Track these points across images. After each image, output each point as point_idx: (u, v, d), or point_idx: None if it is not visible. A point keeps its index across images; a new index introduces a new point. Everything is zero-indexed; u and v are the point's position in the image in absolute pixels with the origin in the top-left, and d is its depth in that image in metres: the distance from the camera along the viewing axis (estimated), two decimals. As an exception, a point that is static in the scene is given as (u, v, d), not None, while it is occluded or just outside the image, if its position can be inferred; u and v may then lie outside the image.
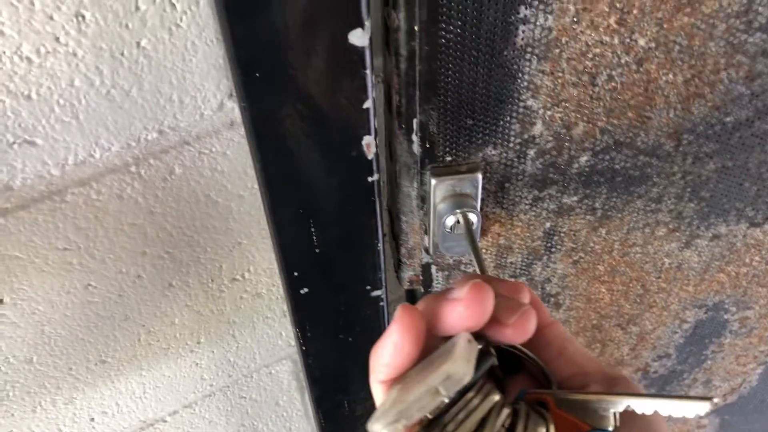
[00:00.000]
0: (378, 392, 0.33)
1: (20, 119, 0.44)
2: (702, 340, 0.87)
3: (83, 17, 0.42)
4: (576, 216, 0.63)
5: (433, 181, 0.55)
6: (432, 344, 0.33)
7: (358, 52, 0.44)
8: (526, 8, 0.47)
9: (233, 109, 0.52)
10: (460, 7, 0.46)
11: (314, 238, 0.55)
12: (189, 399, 0.74)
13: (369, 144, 0.50)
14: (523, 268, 0.67)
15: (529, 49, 0.49)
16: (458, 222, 0.55)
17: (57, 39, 0.42)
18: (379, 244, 0.57)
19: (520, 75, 0.51)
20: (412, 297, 0.74)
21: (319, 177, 0.51)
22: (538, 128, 0.55)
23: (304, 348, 0.64)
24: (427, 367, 0.31)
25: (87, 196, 0.51)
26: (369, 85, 0.46)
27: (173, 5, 0.45)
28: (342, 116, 0.48)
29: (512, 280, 0.40)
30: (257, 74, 0.43)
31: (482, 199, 0.59)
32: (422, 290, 0.68)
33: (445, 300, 0.32)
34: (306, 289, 0.58)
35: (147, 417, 0.71)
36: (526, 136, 0.55)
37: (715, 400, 0.29)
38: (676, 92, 0.55)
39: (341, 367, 0.68)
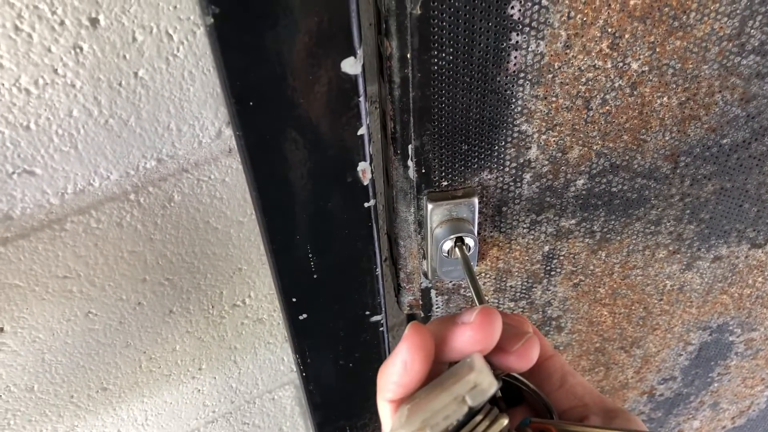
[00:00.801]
0: (385, 412, 0.33)
1: (19, 149, 0.45)
2: (708, 363, 0.86)
3: (81, 49, 0.43)
4: (575, 239, 0.63)
5: (430, 206, 0.55)
6: (436, 370, 0.33)
7: (351, 80, 0.45)
8: (517, 34, 0.47)
9: (231, 137, 0.52)
10: (452, 34, 0.46)
11: (312, 264, 0.55)
12: (191, 426, 0.74)
13: (365, 170, 0.50)
14: (523, 291, 0.67)
15: (522, 75, 0.50)
16: (455, 247, 0.55)
17: (55, 70, 0.43)
18: (377, 270, 0.57)
19: (513, 100, 0.51)
20: (413, 321, 0.74)
21: (315, 203, 0.51)
22: (533, 152, 0.55)
23: (304, 374, 0.64)
24: (437, 388, 0.31)
25: (87, 225, 0.51)
26: (363, 112, 0.47)
27: (170, 36, 0.46)
28: (337, 143, 0.48)
29: (515, 313, 0.40)
30: (251, 103, 0.44)
31: (479, 224, 0.59)
32: (422, 315, 0.68)
33: (453, 324, 0.32)
34: (305, 315, 0.58)
35: (149, 444, 0.71)
36: (521, 161, 0.55)
37: None
38: (671, 115, 0.55)
39: (343, 393, 0.68)
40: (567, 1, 0.46)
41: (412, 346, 0.31)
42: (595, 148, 0.56)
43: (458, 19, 0.46)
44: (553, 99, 0.52)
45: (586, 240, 0.64)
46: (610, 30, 0.49)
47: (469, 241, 0.55)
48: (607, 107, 0.53)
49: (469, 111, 0.51)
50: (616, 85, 0.52)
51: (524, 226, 0.61)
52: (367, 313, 0.61)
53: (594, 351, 0.79)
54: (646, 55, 0.51)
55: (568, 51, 0.49)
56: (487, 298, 0.66)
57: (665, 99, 0.54)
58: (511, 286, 0.66)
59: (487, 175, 0.56)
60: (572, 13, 0.47)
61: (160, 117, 0.49)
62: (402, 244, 0.60)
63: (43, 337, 0.55)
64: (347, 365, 0.65)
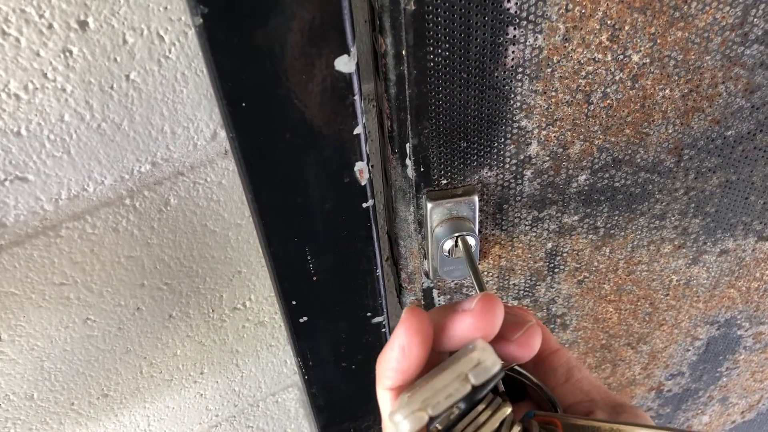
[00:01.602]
0: (385, 400, 0.32)
1: (11, 156, 0.45)
2: (716, 357, 0.85)
3: (70, 52, 0.42)
4: (578, 235, 0.62)
5: (429, 205, 0.54)
6: (436, 360, 0.32)
7: (346, 78, 0.44)
8: (514, 28, 0.46)
9: (227, 139, 0.52)
10: (447, 29, 0.45)
11: (311, 266, 0.54)
12: (195, 430, 0.73)
13: (362, 170, 0.49)
14: (527, 289, 0.66)
15: (520, 70, 0.49)
16: (456, 245, 0.54)
17: (45, 75, 0.42)
18: (377, 270, 0.57)
19: (512, 95, 0.50)
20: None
21: (312, 205, 0.50)
22: (533, 148, 0.54)
23: (306, 377, 0.63)
24: (438, 371, 0.30)
25: (82, 231, 0.51)
26: (358, 111, 0.46)
27: (161, 37, 0.45)
28: (333, 143, 0.47)
29: (518, 306, 0.39)
30: (243, 104, 0.43)
31: (480, 222, 0.58)
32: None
33: (453, 311, 0.31)
34: (305, 318, 0.58)
35: (152, 450, 0.71)
36: (522, 157, 0.54)
37: None
38: (673, 107, 0.54)
39: (345, 395, 0.68)
40: (565, -6, 0.46)
41: (410, 330, 0.30)
42: (596, 142, 0.55)
43: (454, 13, 0.45)
44: (553, 93, 0.51)
45: (590, 236, 0.63)
46: (609, 22, 0.48)
47: (471, 239, 0.55)
48: (608, 101, 0.52)
49: (467, 107, 0.50)
50: (617, 78, 0.51)
51: (526, 223, 0.60)
52: (369, 314, 0.60)
53: (600, 348, 0.78)
54: (647, 46, 0.50)
55: (566, 44, 0.48)
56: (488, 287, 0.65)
57: (667, 91, 0.53)
58: (514, 284, 0.65)
59: (487, 173, 0.55)
60: (570, 5, 0.46)
61: (154, 120, 0.48)
62: (402, 244, 0.59)
63: (41, 345, 0.55)
64: (350, 367, 0.64)
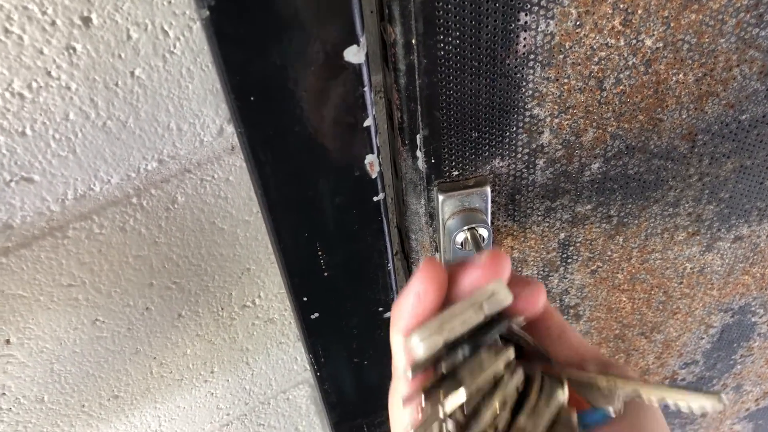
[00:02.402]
0: (398, 344, 0.34)
1: (16, 156, 0.44)
2: (730, 345, 0.84)
3: (74, 50, 0.41)
4: (591, 225, 0.61)
5: (441, 197, 0.54)
6: None
7: (355, 69, 0.43)
8: (526, 15, 0.46)
9: (233, 134, 0.51)
10: (458, 17, 0.44)
11: (322, 261, 0.53)
12: (206, 429, 0.73)
13: (372, 163, 0.48)
14: (540, 280, 0.66)
15: (532, 57, 0.48)
16: (469, 238, 0.54)
17: (49, 73, 0.42)
18: (389, 265, 0.56)
19: (524, 83, 0.49)
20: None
21: (322, 199, 0.49)
22: (546, 137, 0.53)
23: (318, 374, 0.62)
24: (453, 306, 0.32)
25: (89, 231, 0.50)
26: (368, 102, 0.45)
27: (166, 32, 0.44)
28: (342, 136, 0.46)
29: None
30: (252, 98, 0.42)
31: (492, 213, 0.57)
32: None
33: (461, 267, 0.33)
34: (317, 314, 0.57)
35: (164, 450, 0.70)
36: (534, 146, 0.53)
37: (724, 397, 0.29)
38: (687, 92, 0.53)
39: (358, 391, 0.67)
40: (576, -22, 0.45)
41: (427, 277, 0.32)
42: (609, 129, 0.54)
43: (464, 0, 0.44)
44: (565, 80, 0.50)
45: (603, 225, 0.62)
46: (622, 6, 0.47)
47: (483, 231, 0.54)
48: (621, 87, 0.51)
49: (478, 97, 0.49)
50: (630, 63, 0.50)
51: (539, 213, 0.59)
52: (381, 309, 0.59)
53: (614, 338, 0.77)
54: (660, 30, 0.49)
55: (578, 30, 0.47)
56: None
57: (681, 76, 0.52)
58: (527, 276, 0.65)
59: (498, 163, 0.54)
60: (582, -10, 0.45)
61: (160, 117, 0.47)
62: (413, 238, 0.59)
63: (50, 347, 0.54)
64: (362, 363, 0.64)
